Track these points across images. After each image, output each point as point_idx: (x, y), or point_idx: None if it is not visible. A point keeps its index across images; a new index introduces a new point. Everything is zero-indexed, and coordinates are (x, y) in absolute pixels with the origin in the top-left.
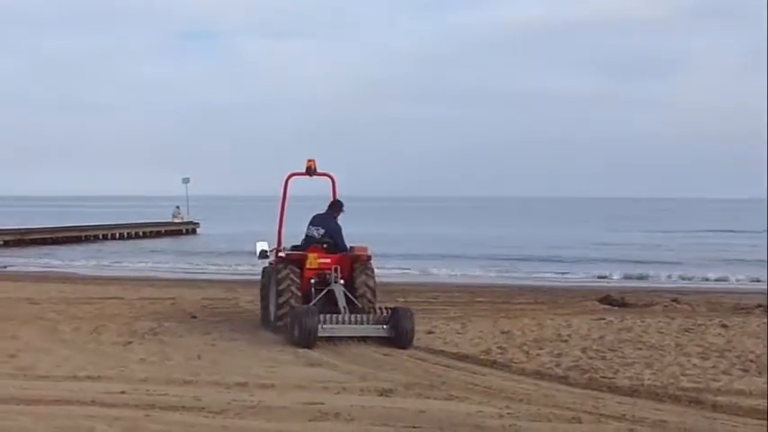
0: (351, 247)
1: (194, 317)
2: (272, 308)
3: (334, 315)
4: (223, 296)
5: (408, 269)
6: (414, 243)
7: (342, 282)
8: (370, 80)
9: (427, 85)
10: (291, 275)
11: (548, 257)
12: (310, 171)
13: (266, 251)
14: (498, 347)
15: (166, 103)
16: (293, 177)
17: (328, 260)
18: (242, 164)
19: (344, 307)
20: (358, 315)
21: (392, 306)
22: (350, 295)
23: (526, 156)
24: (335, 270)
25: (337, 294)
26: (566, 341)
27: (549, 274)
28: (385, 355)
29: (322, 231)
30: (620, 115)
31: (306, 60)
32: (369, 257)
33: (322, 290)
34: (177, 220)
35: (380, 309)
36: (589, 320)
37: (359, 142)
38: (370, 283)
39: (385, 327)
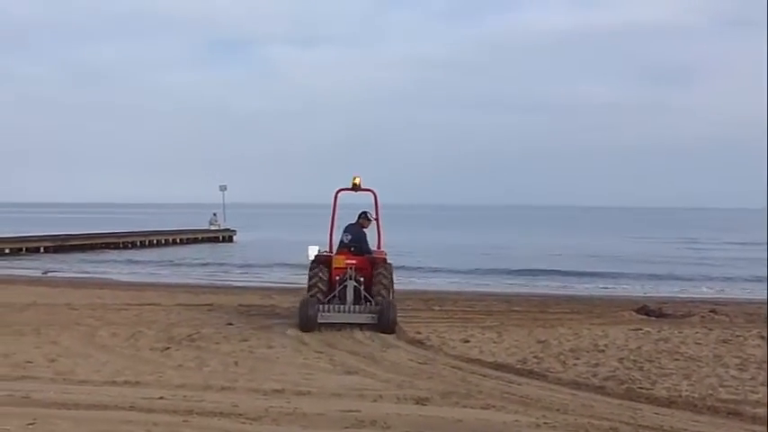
0: (373, 251)
1: (231, 323)
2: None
3: (331, 305)
4: (259, 303)
5: (444, 277)
6: (451, 252)
7: (361, 279)
8: (401, 87)
9: (458, 91)
10: (320, 273)
11: (582, 267)
12: (356, 187)
13: (315, 255)
14: (535, 357)
15: (201, 112)
16: (341, 192)
17: (354, 261)
18: (277, 172)
19: (351, 300)
20: (352, 306)
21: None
22: (362, 290)
23: (558, 163)
24: (351, 269)
25: (348, 289)
26: (602, 351)
27: (585, 285)
28: (421, 363)
29: (350, 237)
30: (658, 123)
31: (337, 67)
32: (384, 260)
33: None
34: (214, 228)
35: (372, 302)
36: (626, 330)
37: (393, 149)
38: (385, 282)
39: (373, 316)
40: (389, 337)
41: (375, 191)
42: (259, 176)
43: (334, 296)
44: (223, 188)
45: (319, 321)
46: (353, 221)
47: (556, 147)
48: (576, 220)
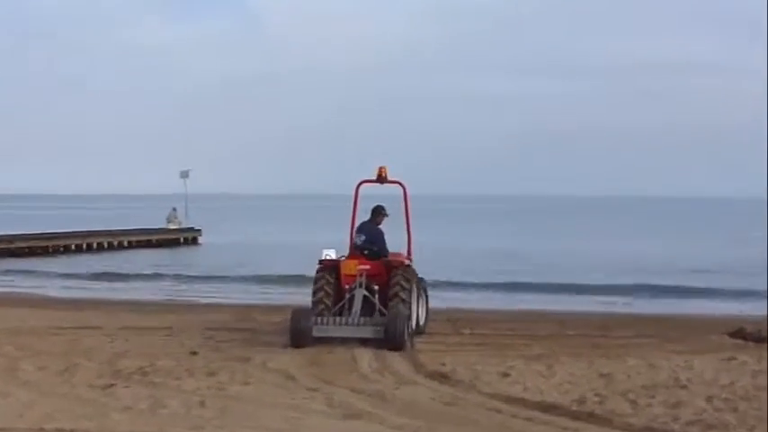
0: (392, 253)
1: (195, 352)
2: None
3: (329, 316)
4: (233, 325)
5: (476, 292)
6: (483, 258)
7: (375, 288)
8: (418, 44)
9: (493, 50)
10: (326, 278)
11: (654, 278)
12: (381, 178)
13: (323, 260)
14: (596, 395)
15: (159, 79)
16: (364, 185)
17: (367, 266)
18: (254, 155)
19: (357, 311)
20: (358, 317)
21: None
22: (376, 301)
23: (616, 144)
24: (362, 275)
25: (356, 299)
26: (685, 387)
27: (659, 301)
28: (446, 404)
29: (363, 238)
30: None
31: (337, 21)
32: (401, 263)
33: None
34: (173, 226)
35: (379, 311)
36: (716, 361)
37: (405, 126)
38: (405, 288)
39: (378, 329)
40: (405, 370)
41: (404, 183)
42: (232, 161)
43: (343, 308)
44: (184, 174)
45: (314, 335)
46: (368, 219)
47: (612, 122)
48: (640, 213)
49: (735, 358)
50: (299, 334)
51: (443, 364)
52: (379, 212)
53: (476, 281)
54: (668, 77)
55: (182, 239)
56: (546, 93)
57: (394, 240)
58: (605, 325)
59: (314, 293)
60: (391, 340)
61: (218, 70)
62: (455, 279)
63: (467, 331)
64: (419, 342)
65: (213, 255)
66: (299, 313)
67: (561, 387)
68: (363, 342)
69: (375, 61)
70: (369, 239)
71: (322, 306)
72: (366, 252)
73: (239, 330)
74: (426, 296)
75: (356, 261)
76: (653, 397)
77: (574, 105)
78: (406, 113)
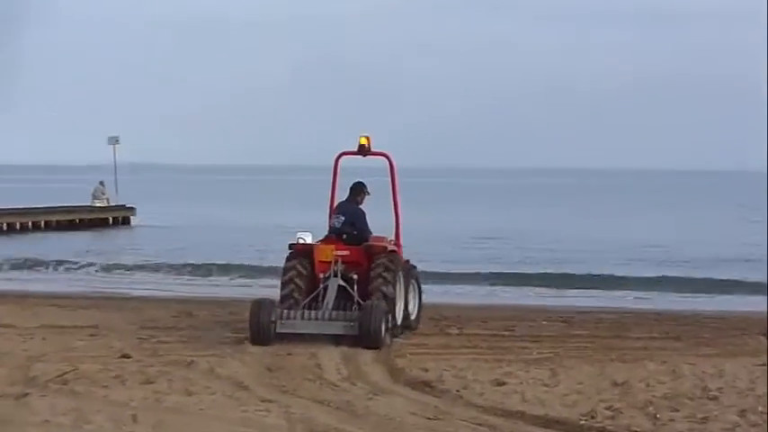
0: (373, 237)
1: (127, 356)
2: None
3: (295, 310)
4: (173, 323)
5: (467, 284)
6: (476, 244)
7: (353, 277)
8: None
9: None
10: (298, 267)
11: (678, 269)
12: (364, 150)
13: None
14: (609, 408)
15: (80, 32)
16: (344, 157)
17: (345, 252)
18: (196, 120)
19: (329, 304)
20: (329, 311)
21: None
22: (355, 291)
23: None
24: (336, 263)
25: (329, 289)
26: (715, 399)
27: (684, 296)
28: (430, 419)
29: (342, 219)
30: None
31: None
32: (384, 249)
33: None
34: (100, 204)
35: (357, 304)
36: (751, 366)
37: (387, 87)
38: (387, 277)
39: (352, 324)
40: (380, 378)
41: (390, 155)
42: (171, 124)
43: (316, 300)
44: (113, 141)
45: (278, 331)
46: (346, 198)
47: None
48: (661, 189)
49: None
50: (260, 330)
51: (426, 371)
52: (359, 190)
53: (464, 270)
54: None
55: (111, 220)
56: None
57: (379, 222)
58: (619, 324)
59: (283, 286)
60: (365, 337)
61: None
62: (440, 269)
63: (454, 331)
64: (400, 343)
65: (149, 238)
66: (260, 306)
67: (567, 398)
68: (336, 341)
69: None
70: (348, 221)
71: (291, 301)
72: (345, 236)
73: (180, 329)
74: (419, 286)
75: (333, 246)
76: (676, 410)
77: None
78: (385, 72)
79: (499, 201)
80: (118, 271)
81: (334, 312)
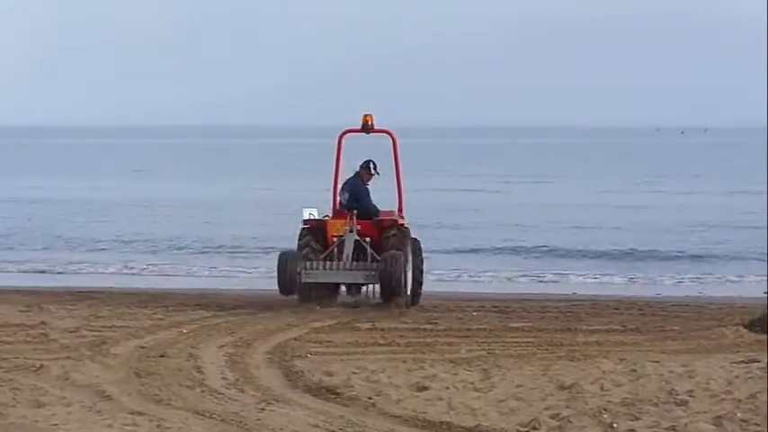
0: (382, 212)
1: None
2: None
3: (317, 261)
4: (19, 321)
5: None
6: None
7: (367, 240)
8: None
9: None
10: (312, 244)
11: (640, 243)
12: (367, 128)
13: (314, 219)
14: (554, 416)
15: None
16: (348, 135)
17: (358, 226)
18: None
19: (348, 256)
20: (346, 261)
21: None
22: (368, 248)
23: None
24: (352, 219)
25: (347, 242)
26: (684, 404)
27: (648, 277)
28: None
29: (347, 196)
30: None
31: None
32: (395, 223)
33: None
34: None
35: (371, 255)
36: (727, 364)
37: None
38: (398, 246)
39: (373, 273)
40: (274, 383)
41: (393, 133)
42: (35, 79)
43: (332, 255)
44: None
45: (303, 281)
46: (353, 175)
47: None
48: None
49: (755, 360)
50: (287, 280)
51: (330, 374)
52: (367, 169)
53: None
54: None
55: None
56: None
57: (381, 197)
58: (571, 313)
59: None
60: (387, 286)
61: None
62: None
63: (364, 324)
64: (292, 341)
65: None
66: (286, 257)
67: (503, 405)
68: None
69: None
70: (353, 197)
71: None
72: (354, 212)
73: (27, 327)
74: (422, 260)
75: (344, 221)
76: (637, 418)
77: None
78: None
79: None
80: None
81: (354, 263)
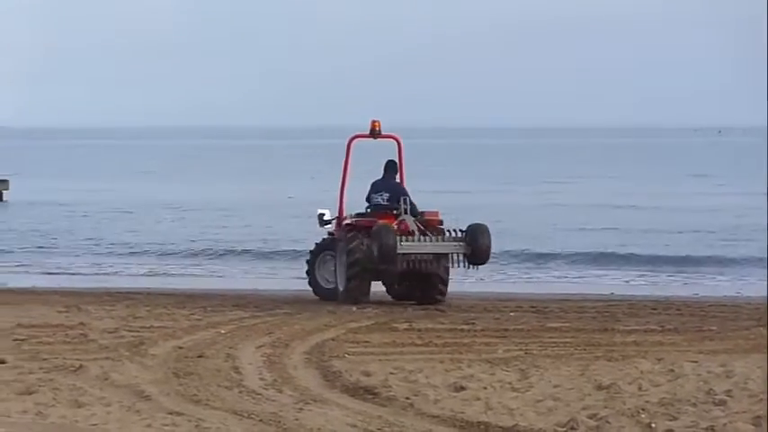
0: (421, 212)
1: (2, 361)
2: (339, 278)
3: (410, 236)
4: (57, 321)
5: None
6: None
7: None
8: None
9: None
10: (360, 246)
11: (676, 247)
12: (374, 133)
13: (327, 219)
14: (592, 416)
15: None
16: (357, 140)
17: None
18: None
19: (415, 230)
20: (434, 235)
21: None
22: (422, 227)
23: None
24: (405, 201)
25: (408, 222)
26: (722, 403)
27: (684, 278)
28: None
29: (387, 196)
30: None
31: None
32: (441, 222)
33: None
34: None
35: (453, 229)
36: (765, 364)
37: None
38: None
39: (461, 245)
40: (312, 383)
41: (399, 138)
42: (55, 80)
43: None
44: None
45: (399, 252)
46: (379, 177)
47: None
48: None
49: None
50: (384, 249)
51: (368, 374)
52: (395, 168)
53: None
54: None
55: None
56: None
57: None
58: (606, 314)
59: (351, 261)
60: (477, 252)
61: None
62: None
63: (402, 325)
64: (329, 341)
65: (26, 217)
66: (380, 229)
67: (541, 405)
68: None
69: None
70: (394, 197)
71: (357, 278)
72: (394, 212)
73: (66, 328)
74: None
75: (388, 220)
76: (675, 418)
77: None
78: None
79: (472, 168)
80: None
81: (440, 236)
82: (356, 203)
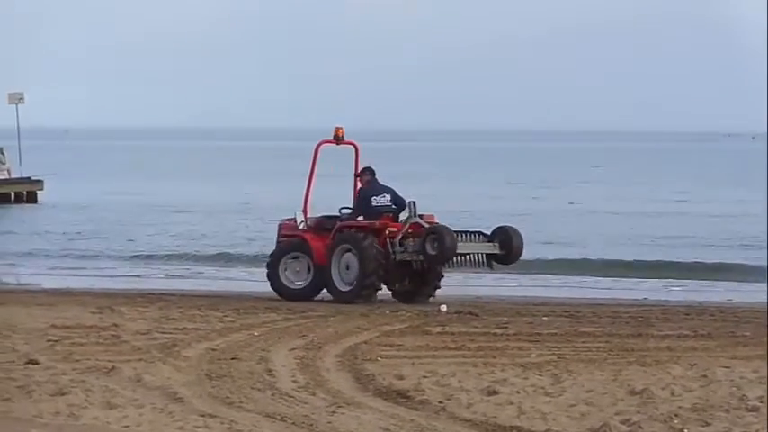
0: (420, 214)
1: (34, 362)
2: (350, 278)
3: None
4: (91, 323)
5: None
6: (464, 220)
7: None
8: None
9: None
10: (375, 245)
11: (709, 254)
12: (338, 139)
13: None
14: (625, 422)
15: None
16: (323, 145)
17: (411, 230)
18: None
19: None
20: (467, 237)
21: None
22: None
23: None
24: (413, 205)
25: (421, 223)
26: (755, 409)
27: (716, 285)
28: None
29: (389, 198)
30: None
31: None
32: (436, 225)
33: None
34: (0, 176)
35: (480, 232)
36: None
37: None
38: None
39: (495, 244)
40: (345, 386)
41: (357, 144)
42: (86, 82)
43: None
44: (17, 99)
45: (459, 252)
46: (374, 180)
47: None
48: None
49: None
50: (449, 249)
51: (401, 378)
52: (374, 172)
53: None
54: None
55: (13, 195)
56: None
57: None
58: (641, 318)
59: (366, 261)
60: (508, 253)
61: None
62: None
63: (435, 329)
64: (362, 344)
65: (60, 219)
66: (443, 229)
67: (573, 410)
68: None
69: None
70: (395, 201)
71: (377, 266)
72: (392, 214)
73: (99, 329)
74: None
75: (388, 221)
76: (708, 423)
77: None
78: None
79: (494, 170)
80: (21, 258)
81: (473, 237)
82: (324, 207)
